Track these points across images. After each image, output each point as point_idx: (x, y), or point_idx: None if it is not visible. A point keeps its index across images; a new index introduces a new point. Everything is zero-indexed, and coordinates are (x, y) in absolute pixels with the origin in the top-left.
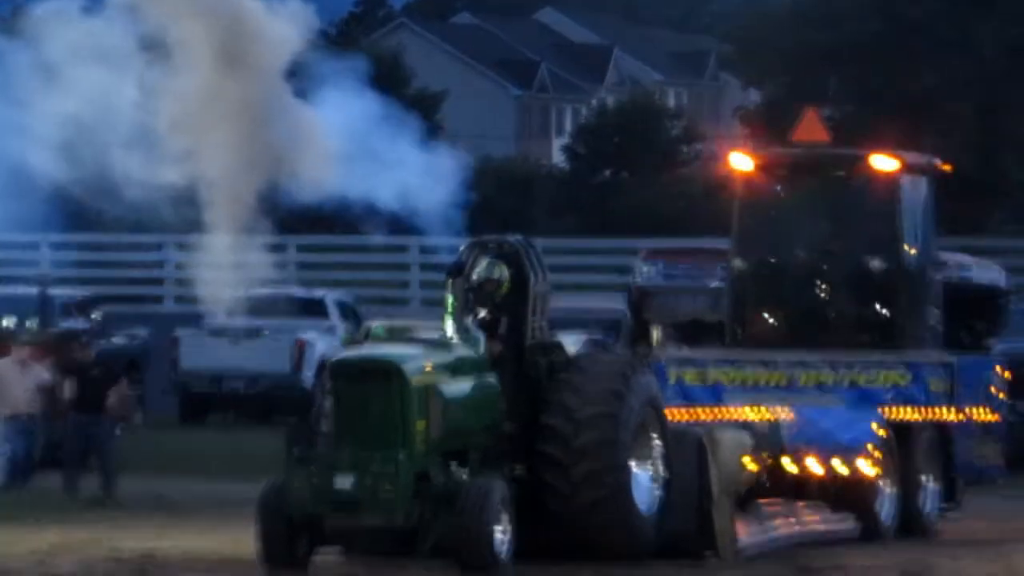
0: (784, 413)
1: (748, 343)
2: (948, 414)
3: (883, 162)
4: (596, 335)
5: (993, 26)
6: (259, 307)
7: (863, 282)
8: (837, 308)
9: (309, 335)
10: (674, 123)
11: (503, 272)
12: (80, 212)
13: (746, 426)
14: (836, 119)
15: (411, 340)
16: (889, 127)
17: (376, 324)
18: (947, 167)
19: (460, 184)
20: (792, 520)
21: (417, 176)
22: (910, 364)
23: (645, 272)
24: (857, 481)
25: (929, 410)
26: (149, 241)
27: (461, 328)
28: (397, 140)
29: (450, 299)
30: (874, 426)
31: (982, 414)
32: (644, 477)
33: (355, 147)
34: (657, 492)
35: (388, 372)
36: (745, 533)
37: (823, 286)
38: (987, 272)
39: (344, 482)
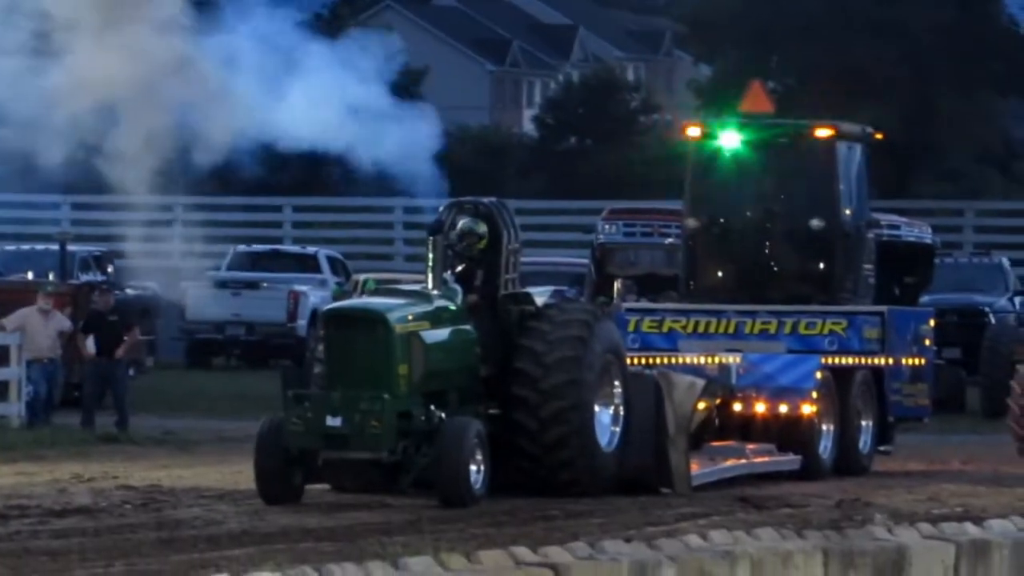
0: (733, 359)
1: (700, 295)
2: (880, 360)
3: (821, 131)
4: (562, 288)
5: (921, 5)
6: (257, 261)
7: (804, 240)
8: (780, 264)
9: (303, 287)
10: (633, 96)
11: (483, 227)
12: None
13: (698, 371)
14: (779, 92)
15: (395, 292)
16: (827, 99)
17: (366, 277)
18: (879, 135)
19: (436, 138)
20: (740, 457)
21: (395, 129)
22: (846, 314)
23: (607, 230)
24: (798, 421)
25: (864, 357)
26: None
27: (440, 281)
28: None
29: (431, 255)
30: (814, 371)
31: (911, 360)
32: (606, 416)
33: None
34: (617, 430)
35: (374, 321)
36: (697, 469)
37: (768, 244)
38: (916, 231)
39: (335, 420)
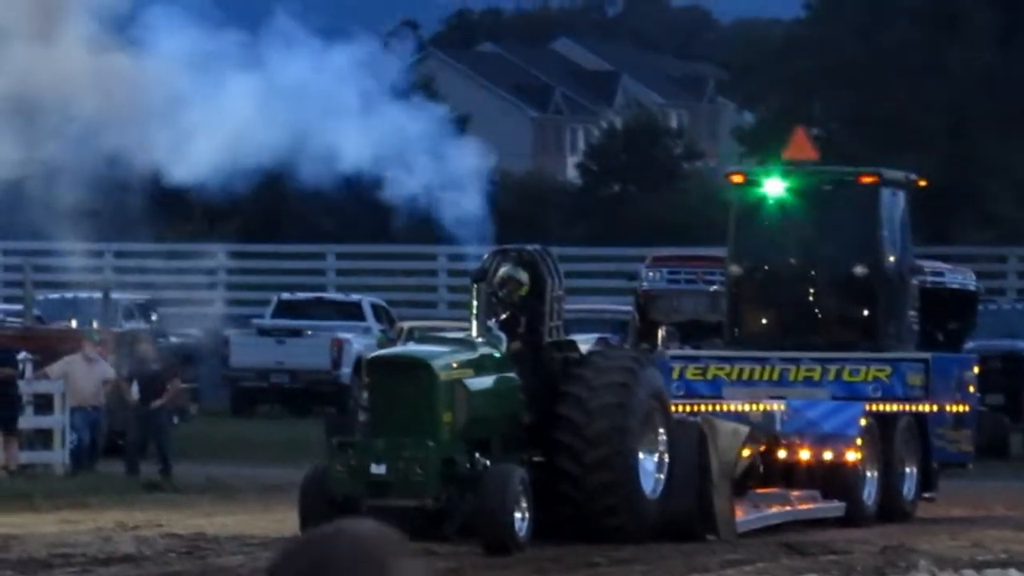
0: (777, 405)
1: (744, 342)
2: (924, 406)
3: (865, 178)
4: (606, 335)
5: (960, 50)
6: (301, 309)
7: (847, 287)
8: (824, 310)
9: (347, 335)
10: (676, 142)
11: (523, 276)
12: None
13: (742, 417)
14: (823, 138)
15: (439, 339)
16: (870, 144)
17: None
18: (922, 182)
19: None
20: (784, 504)
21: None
22: (890, 361)
23: (650, 277)
24: (842, 467)
25: (907, 403)
26: (204, 249)
27: (484, 329)
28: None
29: (474, 302)
30: (858, 417)
31: (954, 406)
32: (649, 463)
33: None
34: (661, 477)
35: (418, 368)
36: (742, 515)
37: (811, 290)
38: (959, 277)
39: (379, 467)
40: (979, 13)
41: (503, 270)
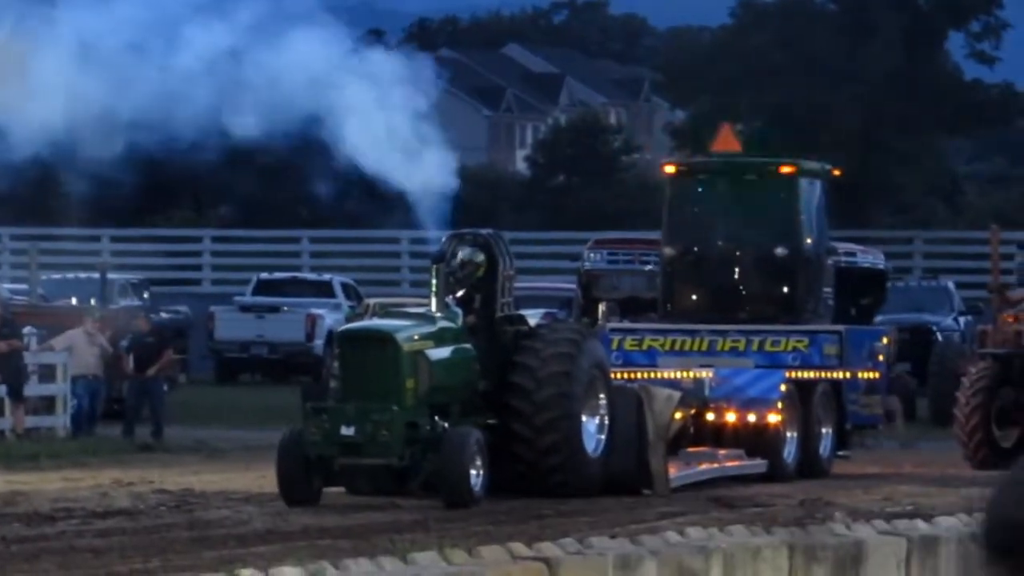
0: (706, 373)
1: (677, 316)
2: (839, 373)
3: (784, 168)
4: (553, 310)
5: (873, 54)
6: (278, 288)
7: (769, 266)
8: (749, 287)
9: (319, 311)
10: (615, 137)
11: (481, 256)
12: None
13: (675, 384)
14: (747, 133)
15: (402, 314)
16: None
17: (376, 301)
18: (837, 172)
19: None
20: (713, 462)
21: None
22: (808, 333)
23: (592, 258)
24: (765, 428)
25: (824, 371)
26: (190, 235)
27: (443, 305)
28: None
29: (434, 281)
30: (779, 384)
31: (866, 373)
32: (592, 425)
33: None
34: (603, 438)
35: (384, 340)
36: (675, 472)
37: (737, 269)
38: (870, 258)
39: (349, 429)
40: (889, 22)
41: (462, 253)
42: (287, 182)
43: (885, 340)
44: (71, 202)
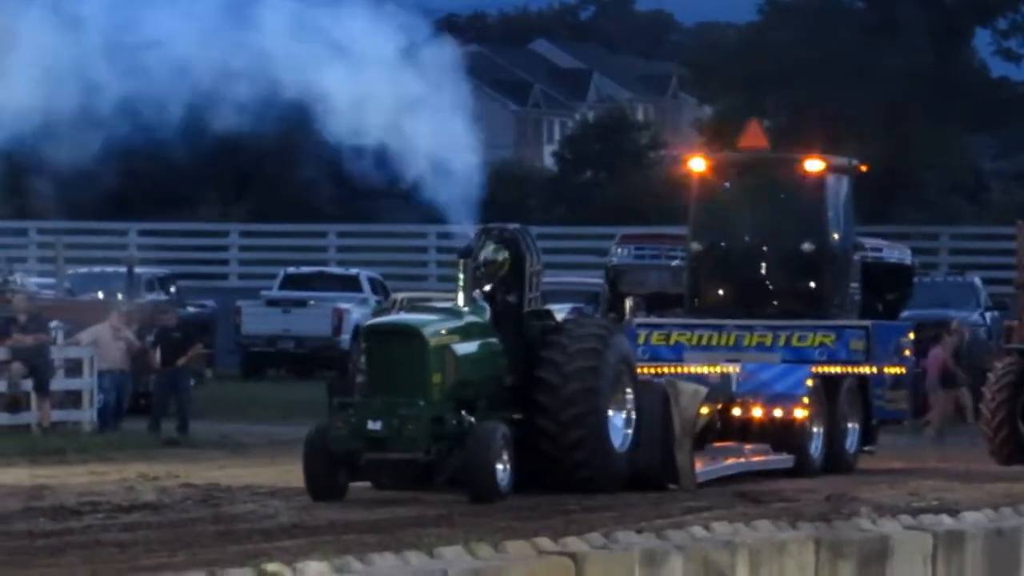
0: (733, 368)
1: (703, 311)
2: (865, 368)
3: (811, 164)
4: (579, 305)
5: (900, 51)
6: (305, 282)
7: (796, 261)
8: (775, 283)
9: (346, 305)
10: (642, 133)
11: (504, 254)
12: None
13: (702, 379)
14: (774, 129)
15: (429, 309)
16: (816, 135)
17: (404, 295)
18: (864, 167)
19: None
20: (739, 457)
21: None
22: (834, 328)
23: (619, 253)
24: (791, 424)
25: (850, 366)
26: (217, 229)
27: (470, 299)
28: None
29: (461, 276)
30: (805, 379)
31: (892, 368)
32: (618, 420)
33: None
34: (629, 433)
35: (410, 334)
36: (701, 467)
37: (763, 265)
38: (896, 253)
39: (375, 424)
40: (916, 20)
41: (488, 248)
42: (312, 174)
43: (911, 335)
44: (83, 196)
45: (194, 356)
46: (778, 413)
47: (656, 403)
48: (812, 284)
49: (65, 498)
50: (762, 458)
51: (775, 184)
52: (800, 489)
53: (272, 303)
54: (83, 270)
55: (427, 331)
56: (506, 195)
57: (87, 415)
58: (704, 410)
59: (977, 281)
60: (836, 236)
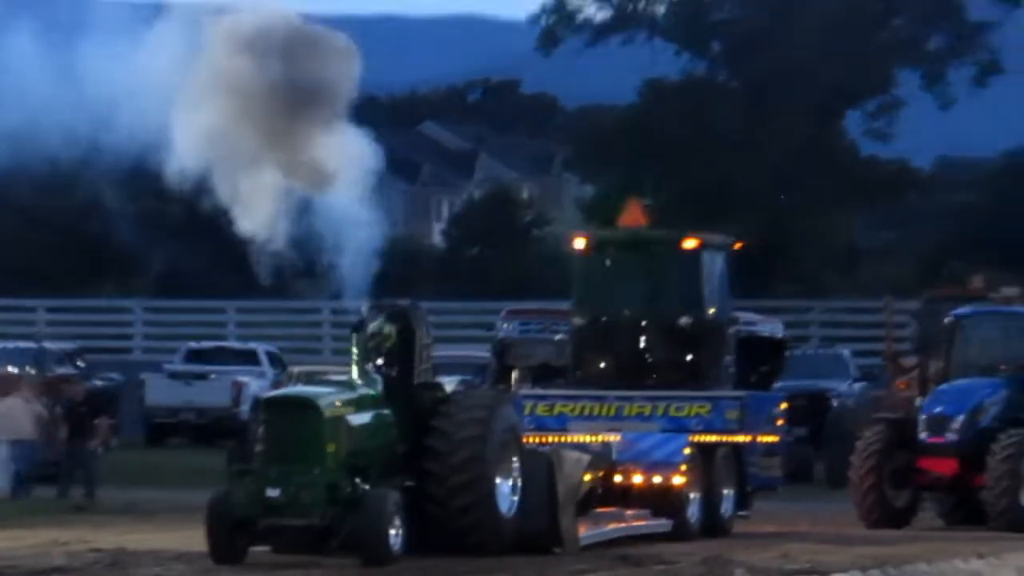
0: (614, 437)
1: (586, 382)
2: (740, 437)
3: (688, 242)
4: (468, 377)
5: (774, 132)
6: (205, 355)
7: (674, 335)
8: (654, 355)
9: (245, 378)
10: (527, 211)
11: (391, 328)
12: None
13: (584, 447)
14: (653, 207)
15: (324, 381)
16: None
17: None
18: (738, 244)
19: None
20: (620, 521)
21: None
22: (711, 399)
23: (506, 327)
24: (670, 490)
25: (725, 435)
26: (122, 305)
27: (363, 372)
28: None
29: (354, 349)
30: (683, 447)
31: (765, 437)
32: (505, 487)
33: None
34: (515, 499)
35: (306, 406)
36: (584, 531)
37: (643, 337)
38: (769, 326)
39: (273, 491)
40: (788, 101)
41: (372, 325)
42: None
43: (783, 405)
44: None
45: (104, 429)
46: (657, 480)
47: (541, 470)
48: (689, 356)
49: None
50: (642, 522)
51: (653, 260)
52: (678, 552)
53: (174, 376)
54: None
55: (322, 403)
56: (398, 270)
57: (1, 482)
58: (587, 477)
59: (846, 353)
60: (712, 310)
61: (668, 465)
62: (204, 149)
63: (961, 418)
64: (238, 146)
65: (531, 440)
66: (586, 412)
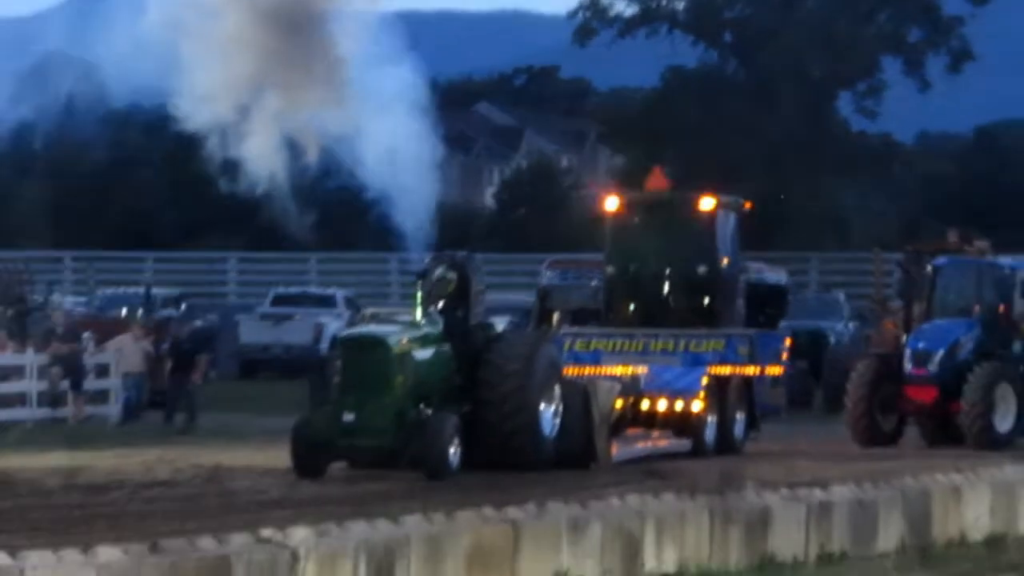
0: (641, 369)
1: (616, 323)
2: (749, 369)
3: (704, 202)
4: (515, 319)
5: (777, 111)
6: (290, 300)
7: (692, 282)
8: (676, 299)
9: (324, 319)
10: (565, 178)
11: (452, 276)
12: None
13: (616, 378)
14: (674, 175)
15: (393, 322)
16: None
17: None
18: (748, 204)
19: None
20: (647, 441)
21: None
22: (724, 336)
23: (547, 276)
24: (689, 414)
25: (737, 367)
26: (219, 256)
27: (426, 314)
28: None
29: (418, 294)
30: (701, 377)
31: (772, 369)
32: (548, 413)
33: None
34: (557, 422)
35: (377, 343)
36: (616, 450)
37: (666, 285)
38: (774, 275)
39: (349, 416)
40: (789, 87)
41: (436, 272)
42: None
43: (787, 342)
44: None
45: (203, 367)
46: (679, 406)
47: (579, 398)
48: (706, 300)
49: (96, 477)
50: (665, 443)
51: (675, 219)
52: (697, 468)
53: (264, 317)
54: (109, 291)
55: (391, 340)
56: (455, 229)
57: (113, 410)
58: (618, 403)
59: (841, 297)
60: (725, 261)
61: (688, 393)
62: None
63: (940, 353)
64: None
65: (570, 372)
66: (617, 348)
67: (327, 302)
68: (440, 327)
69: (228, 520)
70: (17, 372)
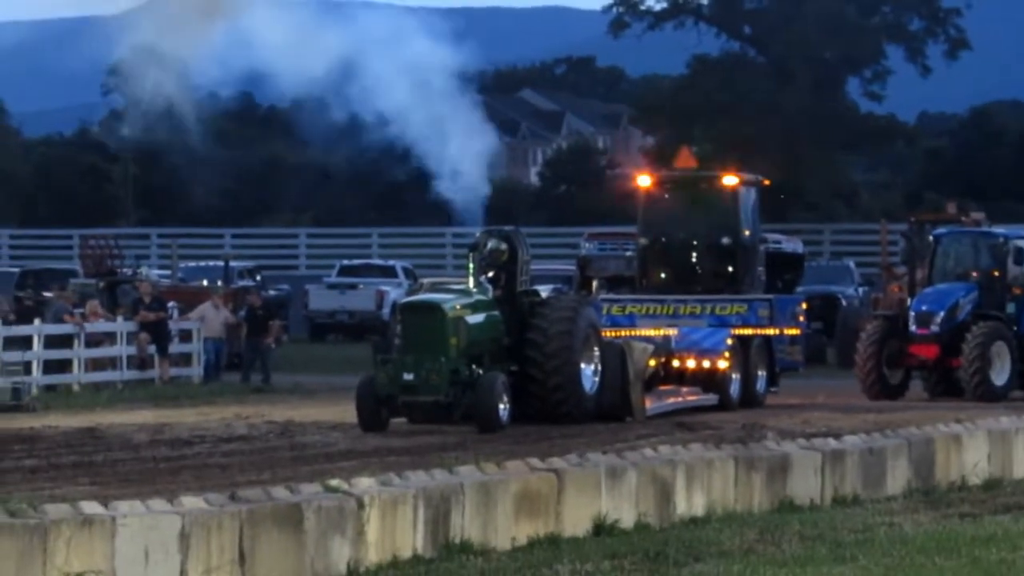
0: (671, 331)
1: (649, 289)
2: (770, 330)
3: (728, 179)
4: (559, 286)
5: (792, 96)
6: (355, 270)
7: (717, 251)
8: (702, 267)
9: (386, 287)
10: (602, 157)
11: (503, 247)
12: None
13: (649, 339)
14: (700, 154)
15: (447, 289)
16: (731, 158)
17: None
18: (766, 181)
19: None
20: (677, 396)
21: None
22: (746, 300)
23: (587, 247)
24: (716, 372)
25: (759, 328)
26: (291, 232)
27: (477, 283)
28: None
29: (470, 265)
30: (726, 338)
31: (790, 330)
32: (588, 371)
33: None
34: (596, 380)
35: (434, 309)
36: (649, 405)
37: (693, 254)
38: (791, 244)
39: (408, 375)
40: (803, 71)
41: (490, 244)
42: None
43: (803, 305)
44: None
45: (277, 330)
46: (706, 364)
47: (615, 357)
48: (729, 268)
49: (180, 432)
50: (694, 397)
51: (701, 194)
52: (723, 420)
53: (331, 286)
54: (191, 264)
55: (446, 306)
56: (502, 204)
57: (196, 371)
58: (651, 362)
59: (851, 264)
60: (747, 232)
61: (714, 352)
62: None
63: (941, 314)
64: None
65: (607, 334)
66: (650, 312)
67: (388, 272)
68: (490, 294)
69: (299, 471)
70: (109, 338)
